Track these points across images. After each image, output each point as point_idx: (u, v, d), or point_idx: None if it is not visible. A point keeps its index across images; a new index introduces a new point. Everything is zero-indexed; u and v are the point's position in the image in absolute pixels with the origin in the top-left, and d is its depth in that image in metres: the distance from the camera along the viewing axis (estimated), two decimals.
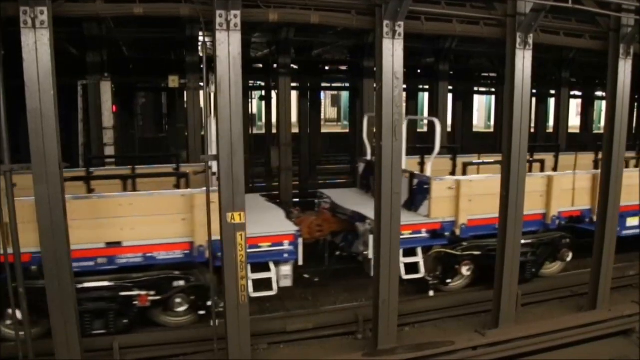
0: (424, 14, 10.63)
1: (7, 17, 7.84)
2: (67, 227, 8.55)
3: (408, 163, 15.37)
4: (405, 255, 12.96)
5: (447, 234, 13.51)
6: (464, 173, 17.03)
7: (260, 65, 24.43)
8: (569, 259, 14.95)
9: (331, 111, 58.89)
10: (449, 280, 13.81)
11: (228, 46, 8.52)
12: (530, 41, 10.40)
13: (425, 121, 17.89)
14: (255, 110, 35.14)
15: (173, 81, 17.86)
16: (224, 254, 9.26)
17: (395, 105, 9.60)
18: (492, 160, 16.59)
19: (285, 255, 11.98)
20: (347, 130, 30.44)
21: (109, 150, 17.20)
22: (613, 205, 12.02)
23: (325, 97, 52.62)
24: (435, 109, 22.56)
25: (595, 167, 17.53)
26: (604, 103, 19.93)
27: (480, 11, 10.97)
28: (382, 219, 10.02)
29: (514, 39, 10.36)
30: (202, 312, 11.81)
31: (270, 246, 11.84)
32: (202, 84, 15.98)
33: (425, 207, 13.66)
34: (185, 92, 19.31)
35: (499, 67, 24.95)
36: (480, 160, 17.86)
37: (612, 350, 11.31)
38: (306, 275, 14.73)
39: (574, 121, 32.07)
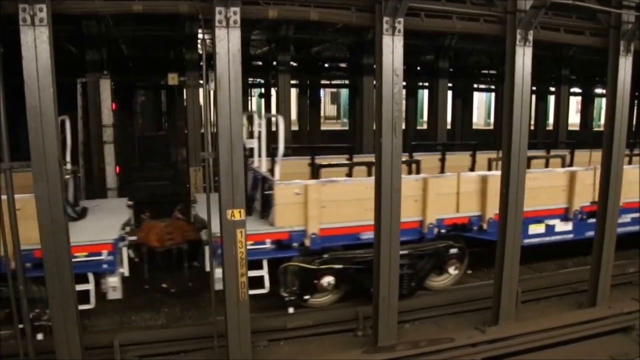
0: (424, 11, 10.61)
1: (6, 15, 7.82)
2: (67, 225, 8.55)
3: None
4: (251, 268, 10.49)
5: (295, 245, 12.31)
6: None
7: (260, 63, 24.49)
8: (455, 271, 13.91)
9: (330, 108, 58.84)
10: (307, 297, 12.57)
11: (227, 43, 8.51)
12: (530, 38, 10.40)
13: (425, 117, 17.66)
14: (254, 108, 35.15)
15: (172, 79, 17.87)
16: (223, 251, 9.25)
17: (395, 102, 9.59)
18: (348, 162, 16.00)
19: (105, 266, 11.17)
20: (347, 128, 30.48)
21: (108, 148, 17.19)
22: (613, 203, 12.01)
23: (325, 95, 52.58)
24: (435, 106, 22.59)
25: (489, 168, 16.98)
26: (603, 100, 19.95)
27: (480, 8, 10.96)
28: (382, 216, 10.02)
29: (514, 35, 10.36)
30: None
31: (86, 256, 11.01)
32: (201, 81, 15.99)
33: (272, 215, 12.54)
34: (184, 90, 19.31)
35: (499, 64, 25.01)
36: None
37: (612, 347, 11.30)
38: (164, 285, 14.07)
39: (574, 119, 32.04)
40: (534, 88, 22.60)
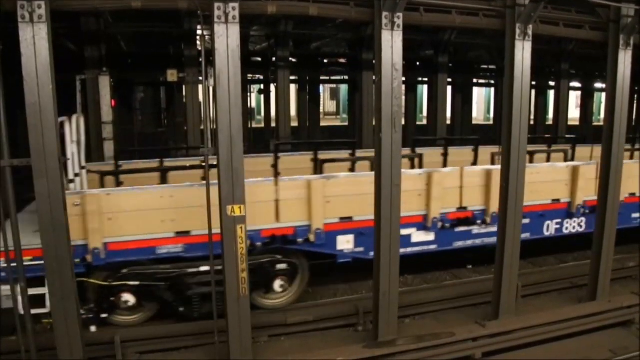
0: (423, 5, 10.64)
1: (5, 12, 7.82)
2: (68, 222, 8.55)
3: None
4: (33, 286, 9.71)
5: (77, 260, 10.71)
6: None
7: (259, 59, 24.47)
8: (281, 289, 12.52)
9: (330, 104, 58.85)
10: (104, 315, 11.31)
11: (227, 39, 8.51)
12: (530, 32, 10.39)
13: (425, 113, 17.61)
14: (254, 104, 35.15)
15: (172, 75, 17.88)
16: (224, 246, 9.26)
17: (394, 97, 9.59)
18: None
19: None
20: (347, 123, 30.48)
21: (108, 145, 17.20)
22: (613, 197, 12.01)
23: (324, 90, 52.59)
24: (435, 101, 22.59)
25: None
26: (603, 95, 19.95)
27: (479, 2, 10.95)
28: (382, 211, 10.02)
29: (513, 30, 10.35)
30: None
31: None
32: (200, 77, 15.98)
33: None
34: (183, 86, 19.32)
35: (498, 59, 24.96)
36: None
37: (612, 341, 11.32)
38: None
39: (574, 113, 32.05)
40: (533, 83, 22.61)
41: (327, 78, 31.93)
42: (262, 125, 30.71)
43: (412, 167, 15.39)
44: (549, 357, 10.79)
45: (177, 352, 10.80)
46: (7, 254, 8.68)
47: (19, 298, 8.85)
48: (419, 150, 16.92)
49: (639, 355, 10.75)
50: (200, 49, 12.91)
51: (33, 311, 9.12)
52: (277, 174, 14.64)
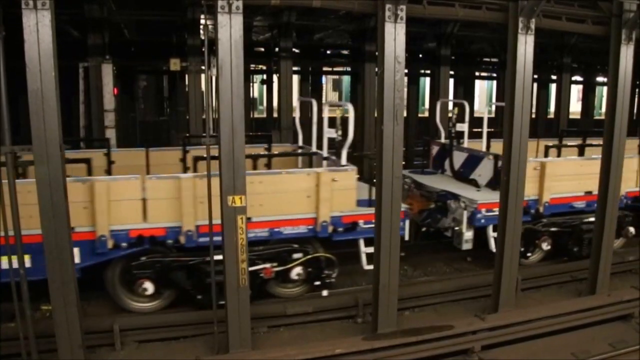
0: None
1: None
2: (68, 208, 8.55)
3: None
4: None
5: None
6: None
7: (262, 49, 24.42)
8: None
9: (332, 95, 58.76)
10: None
11: (230, 29, 8.50)
12: (533, 26, 10.38)
13: (427, 105, 17.58)
14: (256, 94, 35.10)
15: (174, 64, 17.88)
16: (224, 237, 9.27)
17: (396, 89, 9.59)
18: None
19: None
20: (347, 115, 30.41)
21: (110, 133, 17.20)
22: (613, 191, 12.02)
23: (327, 82, 52.50)
24: (437, 93, 22.57)
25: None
26: (604, 89, 19.91)
27: None
28: (383, 203, 10.02)
29: (516, 23, 10.34)
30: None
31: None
32: (203, 67, 15.98)
33: None
34: (186, 75, 19.31)
35: (501, 52, 24.97)
36: None
37: (611, 335, 11.33)
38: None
39: (575, 107, 32.01)
40: (535, 76, 22.60)
41: (330, 69, 31.84)
42: (264, 115, 30.62)
43: None
44: (548, 350, 10.80)
45: (176, 342, 10.81)
46: (6, 240, 8.69)
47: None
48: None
49: (639, 349, 10.76)
50: (203, 38, 12.91)
51: None
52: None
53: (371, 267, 11.12)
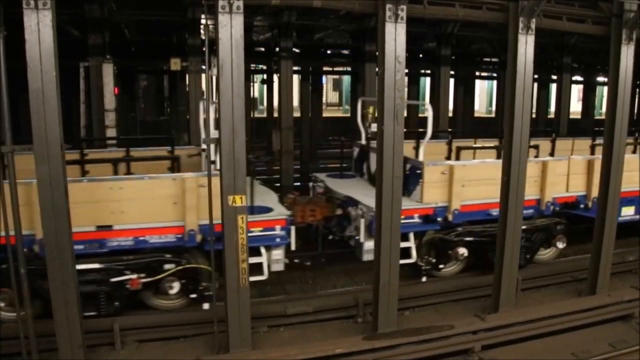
0: None
1: None
2: (69, 208, 8.56)
3: None
4: None
5: None
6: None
7: (262, 49, 24.45)
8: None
9: (333, 95, 58.83)
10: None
11: (230, 29, 8.52)
12: (533, 26, 10.39)
13: (427, 105, 17.34)
14: (257, 94, 35.13)
15: (175, 64, 17.88)
16: (225, 237, 9.28)
17: (397, 89, 9.60)
18: None
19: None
20: (349, 115, 30.49)
21: (111, 132, 17.22)
22: (614, 191, 12.03)
23: (327, 81, 52.54)
24: (437, 93, 22.57)
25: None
26: (605, 89, 19.91)
27: None
28: (383, 203, 10.03)
29: (516, 23, 10.35)
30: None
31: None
32: (203, 66, 15.98)
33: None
34: (186, 75, 19.32)
35: (501, 52, 24.98)
36: None
37: (611, 335, 11.34)
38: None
39: (576, 107, 32.02)
40: (535, 76, 22.62)
41: (330, 69, 31.91)
42: (265, 115, 30.67)
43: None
44: (548, 350, 10.81)
45: (176, 341, 10.81)
46: (7, 239, 8.69)
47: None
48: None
49: (639, 349, 10.77)
50: (203, 38, 12.90)
51: None
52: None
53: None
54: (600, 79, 31.32)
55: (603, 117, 13.30)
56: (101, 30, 17.02)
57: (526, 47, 10.44)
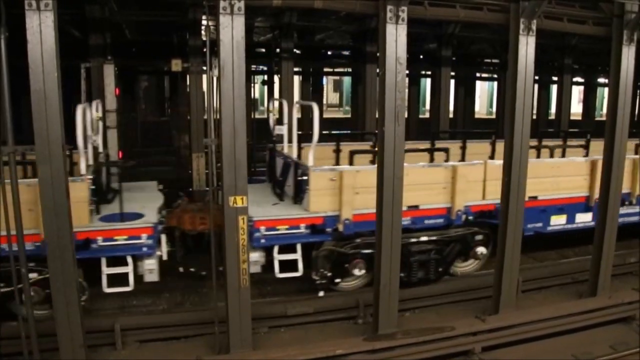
0: None
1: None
2: (70, 208, 8.58)
3: None
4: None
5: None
6: None
7: (263, 50, 24.43)
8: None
9: (333, 96, 58.78)
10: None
11: (232, 30, 8.54)
12: (534, 27, 10.39)
13: (427, 106, 16.98)
14: (257, 95, 35.11)
15: (176, 65, 17.85)
16: (225, 237, 9.29)
17: (397, 90, 9.60)
18: None
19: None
20: (349, 116, 30.47)
21: (111, 134, 17.20)
22: (614, 193, 12.03)
23: (328, 82, 52.51)
24: (438, 94, 22.58)
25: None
26: (606, 90, 19.88)
27: None
28: (384, 204, 10.04)
29: (517, 24, 10.35)
30: None
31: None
32: (205, 67, 15.99)
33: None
34: (187, 76, 19.31)
35: (502, 53, 24.98)
36: None
37: (612, 337, 11.34)
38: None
39: (576, 108, 32.00)
40: (536, 77, 22.62)
41: (331, 70, 31.88)
42: (265, 116, 30.67)
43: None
44: (549, 352, 10.82)
45: (177, 342, 10.83)
46: (9, 238, 8.69)
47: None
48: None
49: None
50: (204, 39, 12.90)
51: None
52: None
53: (113, 289, 11.02)
54: (601, 80, 31.30)
55: (604, 118, 13.31)
56: (102, 31, 17.01)
57: (527, 48, 10.44)
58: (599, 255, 12.33)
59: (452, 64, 23.16)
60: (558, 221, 13.94)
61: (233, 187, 9.05)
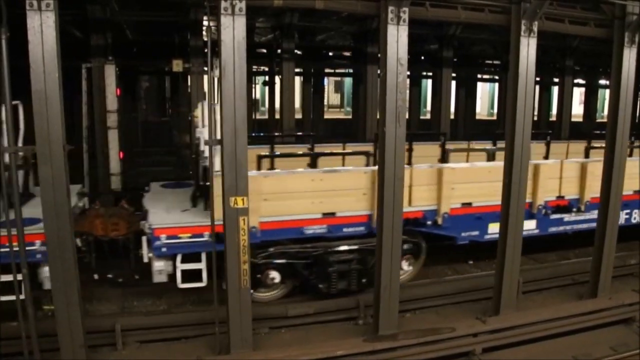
0: (429, 0, 10.63)
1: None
2: (71, 208, 8.59)
3: None
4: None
5: None
6: None
7: (264, 50, 24.44)
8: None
9: (334, 97, 58.77)
10: None
11: (233, 31, 8.54)
12: (535, 29, 10.39)
13: (429, 107, 16.75)
14: (258, 96, 35.11)
15: (177, 65, 17.87)
16: (226, 238, 9.29)
17: (398, 91, 9.60)
18: None
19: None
20: (350, 117, 30.48)
21: (112, 134, 17.22)
22: (615, 194, 12.02)
23: (329, 83, 52.50)
24: (439, 95, 22.57)
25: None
26: (607, 91, 19.87)
27: None
28: (385, 205, 10.04)
29: (518, 26, 10.35)
30: None
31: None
32: (206, 68, 15.98)
33: None
34: (188, 76, 19.31)
35: (503, 54, 24.98)
36: None
37: (612, 338, 11.34)
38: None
39: (577, 110, 31.99)
40: (537, 78, 22.59)
41: (332, 71, 31.91)
42: (266, 116, 30.67)
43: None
44: (549, 353, 10.82)
45: (178, 342, 10.83)
46: (9, 239, 8.68)
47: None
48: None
49: None
50: (206, 39, 12.90)
51: None
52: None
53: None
54: (603, 81, 31.30)
55: (605, 120, 13.31)
56: (103, 31, 17.02)
57: (528, 49, 10.44)
58: (600, 257, 12.32)
59: (454, 65, 23.15)
60: (497, 229, 12.01)
61: (234, 188, 9.05)
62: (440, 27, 21.41)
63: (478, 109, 33.35)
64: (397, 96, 9.60)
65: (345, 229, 12.36)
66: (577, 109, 32.26)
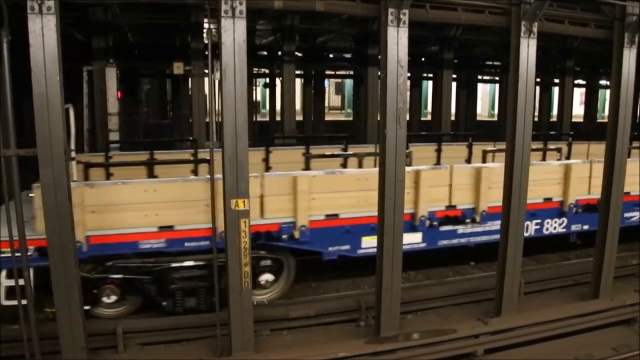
0: (429, 2, 10.65)
1: (14, 3, 7.85)
2: (72, 211, 8.59)
3: None
4: None
5: None
6: None
7: (265, 53, 24.45)
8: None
9: (335, 99, 58.82)
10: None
11: (233, 33, 8.54)
12: (535, 30, 10.40)
13: (430, 108, 16.66)
14: (259, 98, 35.12)
15: (178, 68, 17.91)
16: (227, 240, 9.30)
17: (399, 93, 9.61)
18: None
19: None
20: (351, 118, 30.50)
21: (114, 136, 17.24)
22: (616, 195, 12.02)
23: (329, 85, 52.52)
24: (439, 97, 22.57)
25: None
26: (607, 92, 19.88)
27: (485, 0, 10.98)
28: (386, 206, 10.04)
29: (518, 27, 10.36)
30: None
31: None
32: (206, 70, 16.00)
33: None
34: (189, 79, 19.33)
35: (503, 55, 24.98)
36: None
37: (614, 339, 11.34)
38: None
39: (578, 110, 31.99)
40: (538, 79, 22.59)
41: (333, 72, 31.90)
42: (267, 119, 30.68)
43: None
44: (551, 354, 10.82)
45: (179, 344, 10.83)
46: (11, 243, 8.67)
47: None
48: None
49: None
50: (206, 42, 12.91)
51: None
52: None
53: None
54: (603, 82, 31.30)
55: (605, 120, 13.31)
56: (104, 34, 17.04)
57: (528, 50, 10.45)
58: (601, 257, 12.32)
59: (454, 66, 23.16)
60: (372, 243, 11.21)
61: (235, 190, 9.05)
62: (441, 29, 21.40)
63: (479, 110, 33.32)
64: (397, 98, 9.60)
65: (187, 244, 11.46)
66: (578, 110, 32.30)
